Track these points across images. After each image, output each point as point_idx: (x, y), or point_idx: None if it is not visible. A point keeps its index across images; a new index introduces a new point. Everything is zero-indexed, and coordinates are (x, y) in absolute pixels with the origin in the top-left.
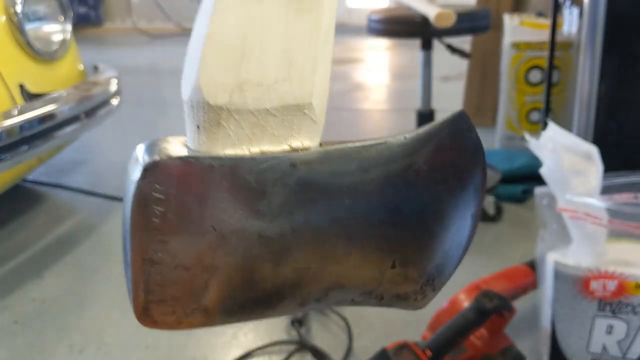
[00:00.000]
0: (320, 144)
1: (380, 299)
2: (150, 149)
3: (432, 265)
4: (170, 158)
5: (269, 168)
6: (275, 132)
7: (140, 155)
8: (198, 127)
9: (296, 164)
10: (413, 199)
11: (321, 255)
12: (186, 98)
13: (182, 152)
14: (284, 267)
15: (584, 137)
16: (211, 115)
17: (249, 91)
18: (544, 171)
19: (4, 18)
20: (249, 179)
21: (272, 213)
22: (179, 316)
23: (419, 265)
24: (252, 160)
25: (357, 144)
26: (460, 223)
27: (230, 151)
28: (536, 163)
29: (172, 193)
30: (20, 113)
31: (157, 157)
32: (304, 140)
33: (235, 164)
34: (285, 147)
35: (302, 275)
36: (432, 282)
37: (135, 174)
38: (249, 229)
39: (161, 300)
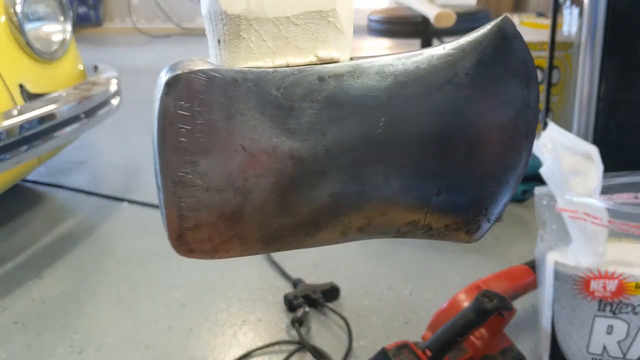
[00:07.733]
0: (351, 59)
1: (429, 230)
2: (174, 66)
3: (483, 192)
4: (192, 72)
5: (296, 82)
6: (300, 45)
7: (164, 73)
8: (219, 41)
9: (324, 77)
10: (456, 117)
11: (358, 179)
12: (205, 12)
13: (205, 66)
14: (319, 191)
15: (584, 137)
16: (230, 27)
17: None
18: (543, 171)
19: (3, 18)
20: (275, 94)
21: (302, 131)
22: (215, 243)
23: (467, 191)
24: (276, 73)
25: (391, 57)
26: (512, 144)
27: (253, 64)
28: (536, 163)
29: (197, 109)
30: (20, 113)
31: (179, 72)
32: (332, 52)
33: (259, 77)
34: (312, 58)
35: (339, 202)
36: (486, 212)
37: (159, 91)
38: (279, 147)
39: (195, 226)
